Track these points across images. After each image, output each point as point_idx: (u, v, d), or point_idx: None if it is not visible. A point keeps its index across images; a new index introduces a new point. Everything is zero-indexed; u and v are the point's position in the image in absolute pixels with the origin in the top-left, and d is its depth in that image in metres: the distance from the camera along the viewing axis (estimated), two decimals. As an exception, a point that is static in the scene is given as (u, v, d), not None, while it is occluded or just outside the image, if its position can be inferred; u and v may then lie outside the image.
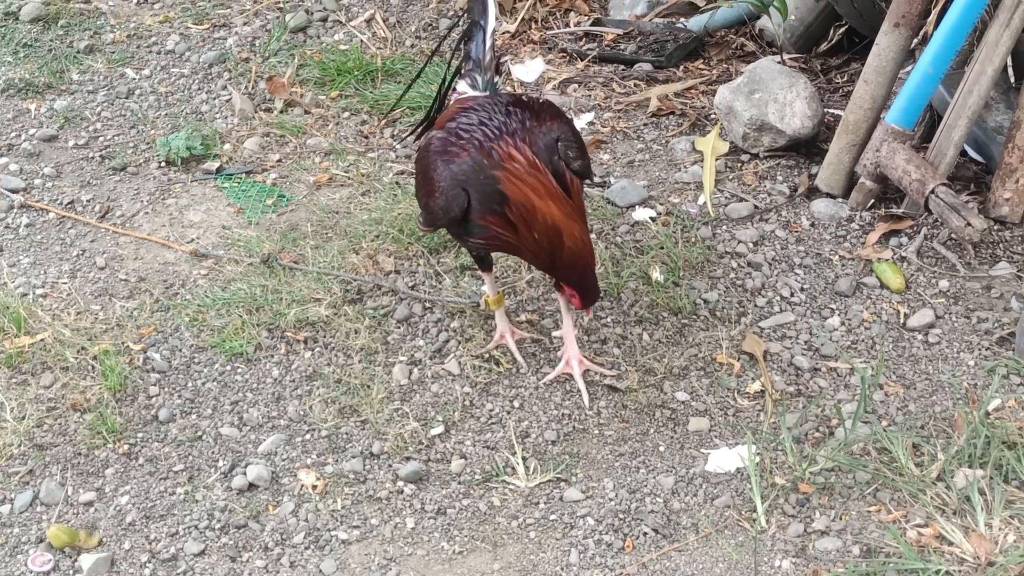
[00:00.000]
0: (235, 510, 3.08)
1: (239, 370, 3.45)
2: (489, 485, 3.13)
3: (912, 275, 3.71)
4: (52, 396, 3.38)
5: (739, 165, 4.15)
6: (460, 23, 3.62)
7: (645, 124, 4.39)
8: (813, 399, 3.31)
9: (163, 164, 4.26)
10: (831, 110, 4.32)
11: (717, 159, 4.13)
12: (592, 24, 4.93)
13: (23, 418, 3.31)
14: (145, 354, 3.49)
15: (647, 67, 4.68)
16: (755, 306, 3.60)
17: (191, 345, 3.52)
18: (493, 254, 3.43)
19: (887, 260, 3.73)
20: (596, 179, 4.05)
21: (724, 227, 3.87)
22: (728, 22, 4.86)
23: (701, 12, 4.92)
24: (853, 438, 3.12)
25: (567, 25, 4.96)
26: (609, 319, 3.55)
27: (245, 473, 3.16)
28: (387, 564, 2.96)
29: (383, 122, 4.42)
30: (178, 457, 3.23)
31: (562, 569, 2.93)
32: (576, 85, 4.60)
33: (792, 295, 3.64)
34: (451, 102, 3.44)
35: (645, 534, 2.99)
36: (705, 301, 3.60)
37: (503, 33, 4.87)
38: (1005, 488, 2.99)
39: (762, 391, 3.34)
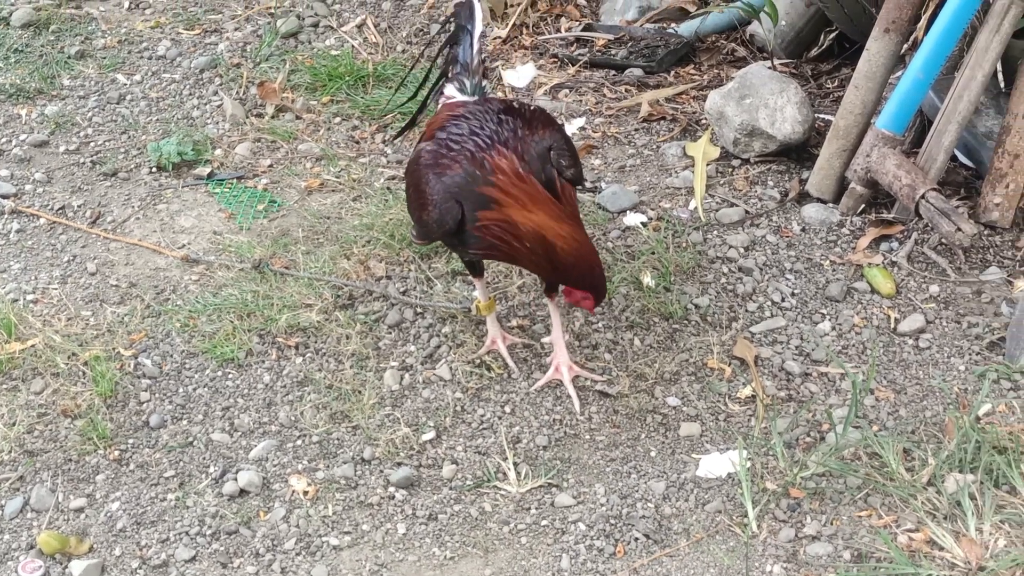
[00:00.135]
0: (226, 516, 3.08)
1: (230, 376, 3.45)
2: (480, 491, 3.13)
3: (903, 280, 3.72)
4: (43, 402, 3.37)
5: (730, 170, 4.15)
6: (447, 26, 3.62)
7: (636, 129, 4.39)
8: (804, 404, 3.32)
9: (154, 169, 4.25)
10: (822, 115, 4.33)
11: (708, 164, 4.14)
12: (583, 29, 4.94)
13: (13, 424, 3.30)
14: (136, 360, 3.48)
15: (638, 72, 4.68)
16: (746, 311, 3.61)
17: (182, 351, 3.52)
18: (484, 261, 3.44)
19: (878, 265, 3.74)
20: (587, 184, 4.05)
21: (715, 232, 3.88)
22: (719, 27, 4.87)
23: (692, 17, 4.92)
24: (844, 443, 3.13)
25: (558, 30, 4.97)
26: (600, 324, 3.55)
27: (236, 479, 3.16)
28: (378, 570, 2.96)
29: (374, 128, 4.42)
30: (169, 463, 3.23)
31: (554, 574, 2.93)
32: (567, 90, 4.60)
33: (783, 300, 3.65)
34: (439, 106, 3.44)
35: (636, 539, 2.99)
36: (696, 306, 3.60)
37: (495, 39, 4.87)
38: (995, 493, 2.99)
39: (753, 396, 3.34)
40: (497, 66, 4.70)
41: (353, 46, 4.82)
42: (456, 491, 3.13)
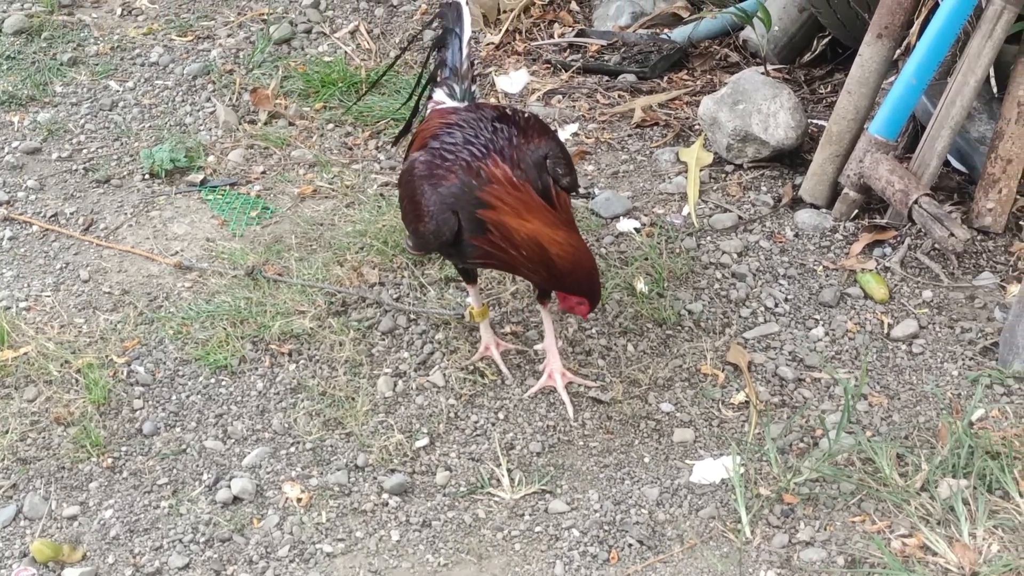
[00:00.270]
0: (220, 523, 3.07)
1: (223, 383, 3.44)
2: (474, 497, 3.13)
3: (896, 285, 3.72)
4: (36, 410, 3.36)
5: (723, 176, 4.15)
6: (434, 27, 3.61)
7: (629, 135, 4.39)
8: (797, 410, 3.32)
9: (147, 176, 4.25)
10: (815, 121, 4.34)
11: (701, 170, 4.14)
12: (576, 35, 4.94)
13: (6, 432, 3.30)
14: (129, 367, 3.48)
15: (631, 78, 4.69)
16: (739, 317, 3.61)
17: (175, 358, 3.51)
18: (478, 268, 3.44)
19: (871, 270, 3.74)
20: (581, 190, 4.05)
21: (708, 238, 3.88)
22: (712, 33, 4.87)
23: (685, 23, 4.93)
24: (837, 448, 3.13)
25: (551, 36, 4.97)
26: (593, 330, 3.55)
27: (230, 486, 3.15)
28: (372, 577, 2.96)
29: (368, 134, 4.41)
30: (162, 470, 3.22)
31: (547, 581, 2.93)
32: (560, 96, 4.60)
33: (776, 306, 3.65)
34: (428, 112, 3.43)
35: (630, 545, 2.99)
36: (689, 312, 3.60)
37: (488, 44, 4.88)
38: (989, 498, 2.99)
39: (746, 402, 3.34)
40: (490, 72, 4.70)
41: (346, 52, 4.82)
42: (450, 498, 3.13)
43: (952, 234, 3.61)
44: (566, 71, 4.74)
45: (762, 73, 4.37)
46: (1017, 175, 3.82)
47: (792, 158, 4.19)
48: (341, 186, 4.16)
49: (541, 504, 3.11)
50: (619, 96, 4.60)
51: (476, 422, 3.31)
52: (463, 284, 3.58)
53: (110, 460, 3.24)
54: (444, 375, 3.43)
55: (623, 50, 4.83)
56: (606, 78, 4.72)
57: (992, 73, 3.99)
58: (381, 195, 4.08)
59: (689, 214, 3.97)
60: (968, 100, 3.76)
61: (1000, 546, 2.90)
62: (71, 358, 3.48)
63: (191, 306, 3.66)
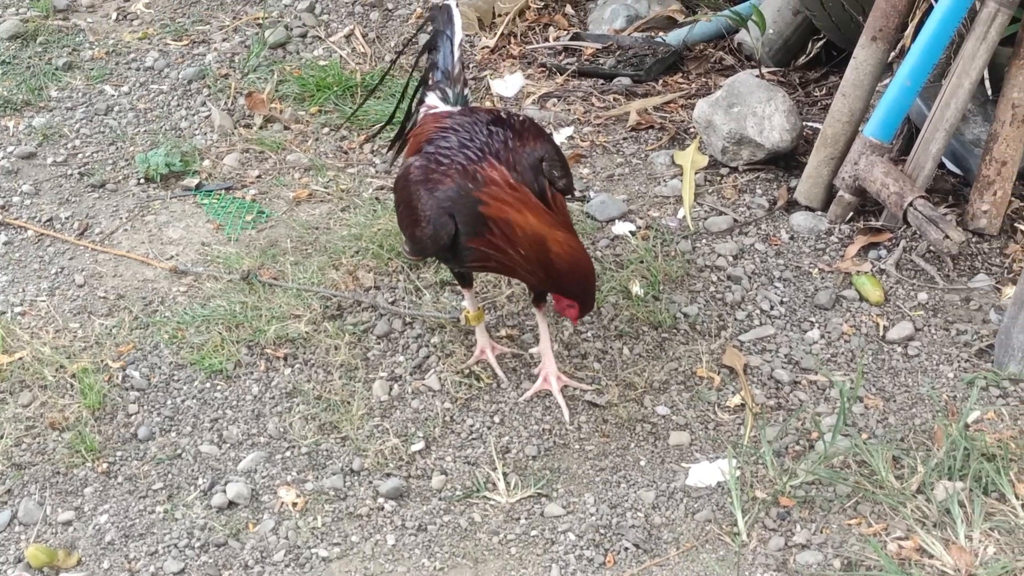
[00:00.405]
0: (215, 528, 3.07)
1: (219, 387, 3.44)
2: (470, 501, 3.12)
3: (891, 288, 3.72)
4: (30, 415, 3.36)
5: (718, 179, 4.16)
6: (425, 28, 3.61)
7: (624, 138, 4.39)
8: (793, 412, 3.32)
9: (142, 181, 4.25)
10: (810, 123, 4.34)
11: (696, 173, 4.14)
12: (571, 39, 4.94)
13: (1, 437, 3.29)
14: (124, 372, 3.48)
15: (626, 81, 4.69)
16: (735, 320, 3.61)
17: (170, 362, 3.51)
18: (474, 272, 3.43)
19: (866, 273, 3.74)
20: (576, 193, 4.05)
21: (704, 241, 3.88)
22: (707, 36, 4.88)
23: (680, 26, 4.93)
24: (833, 451, 3.13)
25: (546, 40, 4.97)
26: (589, 334, 3.55)
27: (225, 491, 3.15)
28: (368, 581, 2.96)
29: (363, 138, 4.41)
30: (157, 475, 3.22)
31: (543, 585, 2.93)
32: (555, 100, 4.60)
33: (772, 308, 3.65)
34: (421, 116, 3.42)
35: (626, 549, 2.98)
36: (685, 315, 3.60)
37: (483, 48, 4.88)
38: (985, 500, 2.99)
39: (742, 405, 3.34)
40: (485, 75, 4.71)
41: (341, 56, 4.82)
42: (445, 502, 3.12)
43: (947, 236, 3.61)
44: (561, 74, 4.74)
45: (757, 76, 4.37)
46: (1012, 177, 3.83)
47: (787, 161, 4.19)
48: (336, 190, 4.15)
49: (537, 508, 3.10)
50: (614, 99, 4.60)
51: (472, 426, 3.31)
52: (459, 288, 3.58)
53: (105, 465, 3.24)
54: (440, 379, 3.42)
55: (618, 53, 4.83)
56: (601, 81, 4.72)
57: (986, 75, 3.99)
58: (376, 199, 4.08)
59: (684, 217, 3.97)
60: (963, 102, 3.76)
61: (996, 548, 2.90)
62: (66, 363, 3.48)
63: (186, 310, 3.66)
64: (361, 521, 3.09)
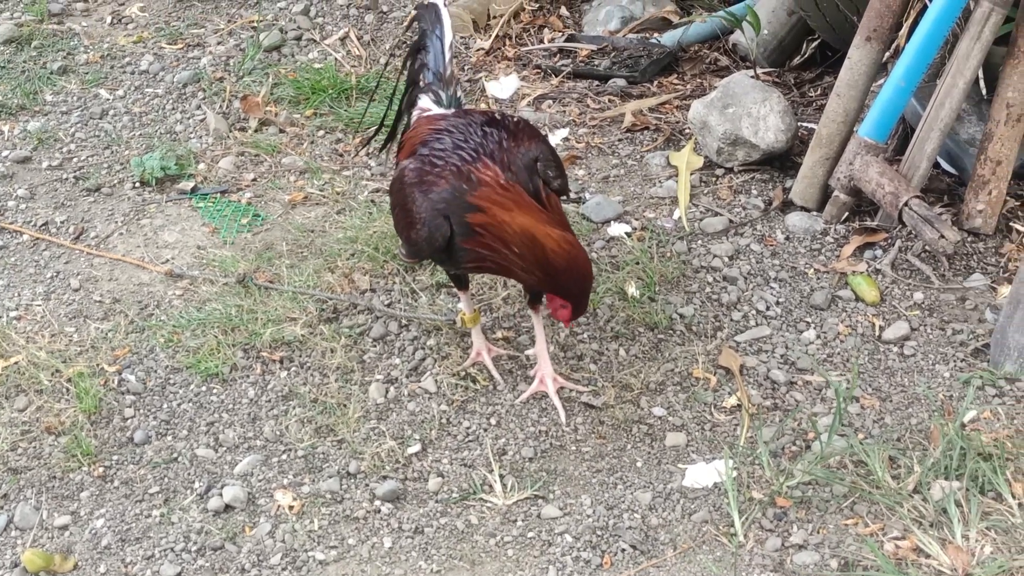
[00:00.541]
0: (211, 532, 3.07)
1: (215, 391, 3.44)
2: (467, 503, 3.12)
3: (887, 288, 3.72)
4: (26, 419, 3.36)
5: (714, 179, 4.16)
6: (412, 29, 3.60)
7: (620, 139, 4.39)
8: (789, 413, 3.32)
9: (137, 184, 4.24)
10: (805, 124, 4.34)
11: (692, 174, 4.14)
12: (566, 40, 4.94)
13: (-3, 442, 3.30)
14: (120, 376, 3.47)
15: (621, 82, 4.69)
16: (731, 320, 3.61)
17: (166, 366, 3.51)
18: (470, 273, 3.43)
19: (862, 273, 3.74)
20: (572, 195, 4.05)
21: (699, 241, 3.88)
22: (702, 37, 4.88)
23: (675, 27, 4.94)
24: (830, 451, 3.13)
25: (541, 41, 4.97)
26: (585, 335, 3.55)
27: (221, 494, 3.15)
28: (365, 584, 2.96)
29: (358, 140, 4.41)
30: (154, 479, 3.21)
31: (540, 587, 2.93)
32: (551, 101, 4.60)
33: (768, 309, 3.65)
34: (414, 119, 3.41)
35: (623, 550, 2.98)
36: (681, 316, 3.60)
37: (478, 50, 4.88)
38: (981, 500, 2.99)
39: (738, 405, 3.34)
40: (480, 78, 4.70)
41: (336, 59, 4.82)
42: (442, 504, 3.12)
43: (942, 236, 3.62)
44: (556, 76, 4.74)
45: (752, 77, 4.37)
46: (1007, 176, 3.83)
47: (782, 161, 4.19)
48: (332, 192, 4.15)
49: (534, 510, 3.10)
50: (609, 101, 4.60)
51: (468, 428, 3.31)
52: (454, 290, 3.57)
53: (101, 469, 3.23)
54: (436, 381, 3.42)
55: (613, 55, 4.83)
56: (596, 83, 4.72)
57: (981, 75, 3.99)
58: (372, 201, 4.08)
59: (680, 218, 3.97)
60: (957, 102, 3.76)
61: (993, 548, 2.90)
62: (62, 367, 3.47)
63: (182, 314, 3.65)
64: (358, 524, 3.09)
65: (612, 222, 3.96)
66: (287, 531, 3.06)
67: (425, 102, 3.42)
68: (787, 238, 3.90)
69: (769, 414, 3.33)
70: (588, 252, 3.77)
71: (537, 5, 5.13)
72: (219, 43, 4.95)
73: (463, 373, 3.44)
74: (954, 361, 3.48)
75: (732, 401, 3.35)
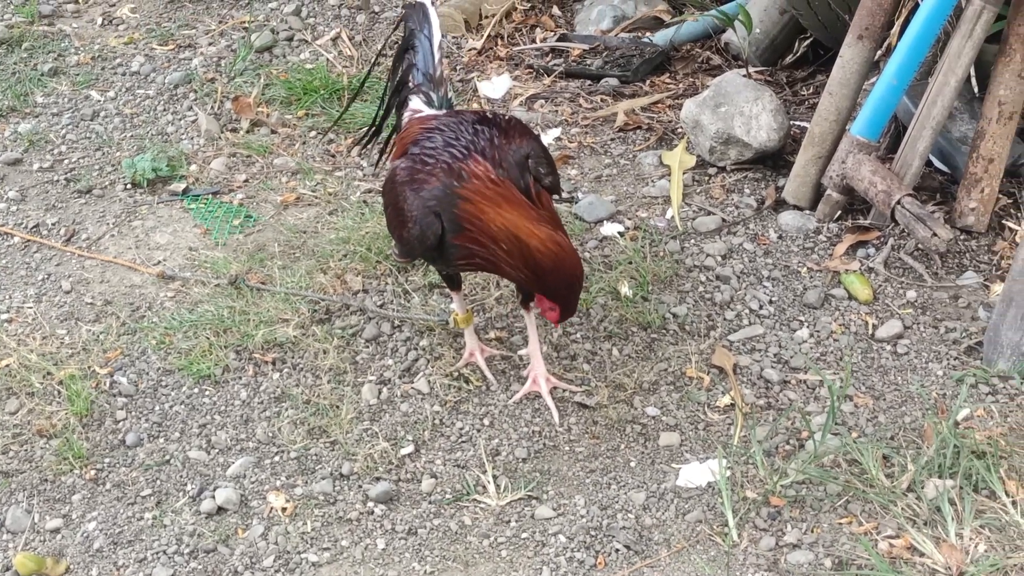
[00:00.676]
0: (204, 534, 3.06)
1: (207, 393, 3.43)
2: (460, 504, 3.12)
3: (880, 286, 3.72)
4: (18, 422, 3.35)
5: (706, 178, 4.15)
6: (399, 28, 3.59)
7: (612, 139, 4.39)
8: (783, 412, 3.32)
9: (129, 186, 4.23)
10: (797, 122, 4.34)
11: (684, 173, 4.14)
12: (558, 40, 4.93)
13: (-12, 445, 3.28)
14: (112, 378, 3.46)
15: (614, 82, 4.68)
16: (724, 319, 3.61)
17: (158, 368, 3.50)
18: (462, 272, 3.43)
19: (855, 271, 3.74)
20: (564, 194, 4.05)
21: (692, 241, 3.88)
22: (694, 36, 4.87)
23: (667, 26, 4.93)
24: (823, 450, 3.12)
25: (533, 41, 4.96)
26: (578, 335, 3.55)
27: (214, 496, 3.14)
28: (358, 586, 2.95)
29: (350, 141, 4.40)
30: (146, 482, 3.21)
31: (534, 587, 2.92)
32: (543, 101, 4.60)
33: (761, 308, 3.65)
34: (407, 121, 3.41)
35: (617, 550, 2.98)
36: (674, 315, 3.60)
37: (470, 50, 4.87)
38: (975, 498, 2.99)
39: (732, 405, 3.33)
40: (472, 77, 4.70)
41: (328, 59, 4.81)
42: (435, 505, 3.11)
43: (935, 234, 3.61)
44: (548, 76, 4.73)
45: (744, 75, 4.36)
46: (999, 174, 3.83)
47: (775, 160, 4.19)
48: (324, 193, 4.15)
49: (527, 510, 3.10)
50: (601, 100, 4.60)
51: (461, 429, 3.30)
52: (447, 290, 3.57)
53: (93, 472, 3.23)
54: (429, 382, 3.42)
55: (605, 54, 4.83)
56: (588, 82, 4.72)
57: (973, 73, 3.99)
58: (364, 202, 4.07)
59: (673, 217, 3.97)
60: (949, 100, 3.76)
61: (987, 546, 2.90)
62: (53, 369, 3.46)
63: (174, 316, 3.65)
64: (351, 525, 3.08)
65: (605, 222, 3.96)
66: (280, 533, 3.05)
67: (416, 103, 3.41)
68: (780, 237, 3.90)
69: (763, 413, 3.33)
70: (580, 252, 3.78)
71: (529, 5, 5.12)
72: (210, 44, 4.94)
73: (456, 374, 3.44)
74: (947, 359, 3.48)
75: (726, 400, 3.35)
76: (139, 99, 4.67)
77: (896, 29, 3.94)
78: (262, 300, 3.67)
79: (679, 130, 4.37)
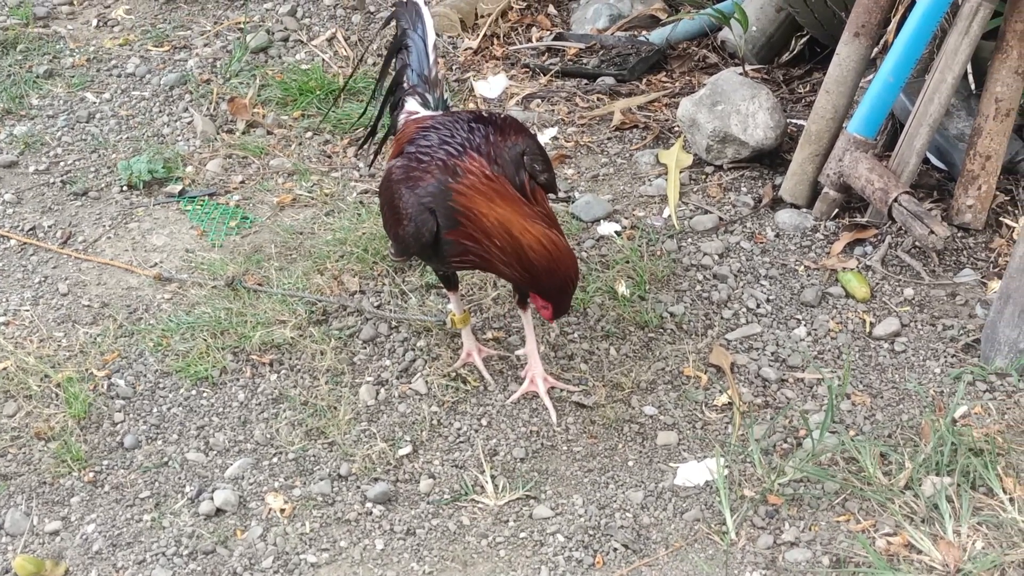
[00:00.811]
0: (203, 536, 3.06)
1: (204, 394, 3.43)
2: (458, 504, 3.12)
3: (877, 284, 3.72)
4: (16, 425, 3.34)
5: (703, 177, 4.15)
6: (391, 25, 3.58)
7: (609, 138, 4.39)
8: (780, 410, 3.32)
9: (125, 188, 4.23)
10: (794, 120, 4.34)
11: (681, 172, 4.14)
12: (554, 39, 4.93)
13: (-14, 448, 3.28)
14: (109, 380, 3.46)
15: (610, 81, 4.68)
16: (721, 318, 3.61)
17: (156, 370, 3.49)
18: (459, 273, 3.42)
19: (852, 269, 3.74)
20: (561, 194, 4.05)
21: (689, 240, 3.88)
22: (690, 34, 4.87)
23: (663, 25, 4.93)
24: (821, 448, 3.12)
25: (529, 40, 4.96)
26: (576, 334, 3.55)
27: (212, 498, 3.14)
28: (357, 587, 2.95)
29: (346, 141, 4.40)
30: (144, 484, 3.20)
31: (533, 587, 2.92)
32: (539, 100, 4.60)
33: (758, 306, 3.65)
34: (403, 123, 3.40)
35: (615, 550, 2.98)
36: (671, 314, 3.60)
37: (466, 49, 4.87)
38: (973, 495, 2.99)
39: (730, 403, 3.33)
40: (468, 77, 4.70)
41: (323, 60, 4.81)
42: (434, 505, 3.11)
43: (932, 231, 3.61)
44: (545, 75, 4.73)
45: (740, 74, 4.37)
46: (996, 171, 3.83)
47: (772, 158, 4.19)
48: (320, 194, 4.14)
49: (525, 510, 3.10)
50: (598, 99, 4.60)
51: (459, 429, 3.30)
52: (444, 291, 3.57)
53: (92, 474, 3.22)
54: (426, 382, 3.42)
55: (601, 53, 4.83)
56: (585, 81, 4.72)
57: (970, 70, 4.00)
58: (361, 203, 4.07)
59: (670, 216, 3.97)
60: (946, 97, 3.76)
61: (985, 543, 2.90)
62: (51, 372, 3.46)
63: (171, 318, 3.64)
64: (349, 526, 3.08)
65: (602, 221, 3.96)
66: (279, 534, 3.05)
67: (412, 105, 3.41)
68: (777, 235, 3.90)
69: (760, 412, 3.33)
70: (577, 252, 3.78)
71: (525, 4, 5.13)
72: (206, 45, 4.94)
73: (453, 374, 3.43)
74: (945, 357, 3.48)
75: (723, 399, 3.35)
76: (135, 101, 4.67)
77: (892, 26, 3.94)
78: (259, 301, 3.67)
79: (676, 129, 4.36)
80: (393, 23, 3.61)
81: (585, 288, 3.64)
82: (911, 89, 3.90)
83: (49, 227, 4.08)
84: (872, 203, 3.81)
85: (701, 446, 3.24)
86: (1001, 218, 3.90)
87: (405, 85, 3.44)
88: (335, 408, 3.35)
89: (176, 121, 4.54)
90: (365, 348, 3.54)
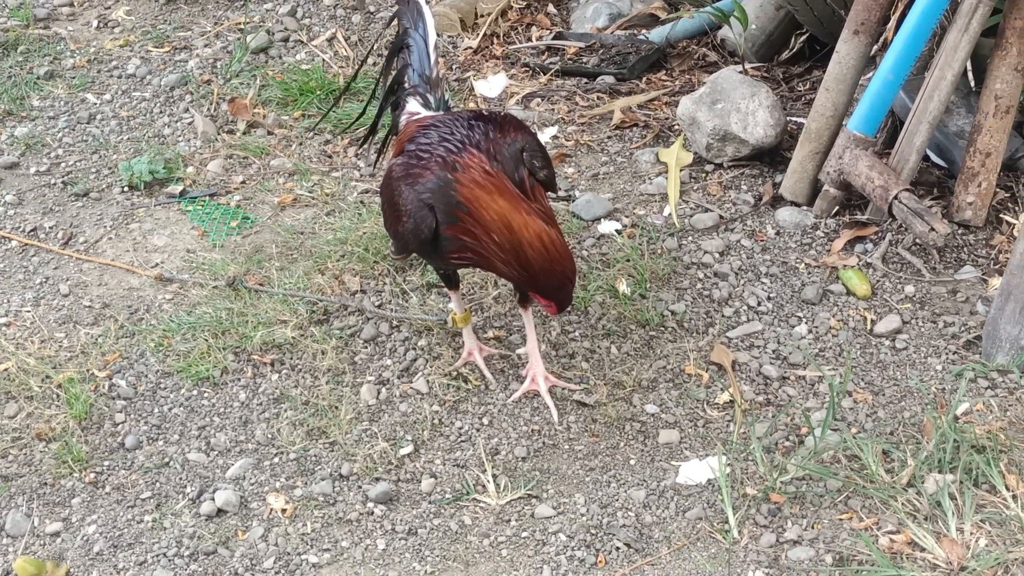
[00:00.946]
0: (204, 536, 3.06)
1: (206, 395, 3.42)
2: (460, 504, 3.12)
3: (878, 281, 3.72)
4: (17, 426, 3.34)
5: (703, 175, 4.15)
6: (392, 25, 3.58)
7: (609, 137, 4.39)
8: (782, 408, 3.31)
9: (126, 189, 4.23)
10: (794, 118, 4.34)
11: (681, 170, 4.14)
12: (554, 38, 4.93)
13: (-12, 449, 3.28)
14: (110, 381, 3.46)
15: (610, 80, 4.68)
16: (722, 316, 3.60)
17: (157, 371, 3.49)
18: (460, 271, 3.42)
19: (853, 267, 3.74)
20: (561, 193, 4.04)
21: (690, 238, 3.87)
22: (689, 33, 4.87)
23: (662, 23, 4.93)
24: (823, 446, 3.12)
25: (529, 40, 4.96)
26: (577, 333, 3.54)
27: (213, 499, 3.13)
28: (359, 586, 2.95)
29: (347, 141, 4.40)
30: (145, 484, 3.20)
31: (535, 586, 2.92)
32: (539, 99, 4.59)
33: (759, 304, 3.64)
34: (404, 124, 3.40)
35: (617, 549, 2.97)
36: (672, 312, 3.60)
37: (466, 49, 4.86)
38: (975, 492, 2.99)
39: (731, 401, 3.33)
40: (468, 76, 4.69)
41: (324, 60, 4.81)
42: (435, 505, 3.11)
43: (932, 229, 3.61)
44: (545, 74, 4.73)
45: (740, 72, 4.36)
46: (996, 168, 3.83)
47: (772, 156, 4.18)
48: (321, 194, 4.14)
49: (527, 509, 3.10)
50: (598, 98, 4.60)
51: (460, 428, 3.30)
52: (445, 290, 3.57)
53: (93, 475, 3.22)
54: (427, 381, 3.41)
55: (601, 52, 4.82)
56: (585, 80, 4.72)
57: (969, 67, 3.99)
58: (361, 202, 4.07)
59: (670, 214, 3.97)
60: (946, 94, 3.76)
61: (988, 540, 2.90)
62: (52, 373, 3.46)
63: (172, 318, 3.64)
64: (351, 526, 3.08)
65: (602, 219, 3.96)
66: (280, 534, 3.05)
67: (413, 106, 3.41)
68: (777, 233, 3.90)
69: (762, 409, 3.32)
70: (578, 250, 3.78)
71: (525, 3, 5.12)
72: (206, 46, 4.94)
73: (455, 373, 3.43)
74: (946, 354, 3.48)
75: (725, 397, 3.35)
76: (135, 101, 4.67)
77: (892, 24, 3.93)
78: (260, 301, 3.67)
79: (676, 127, 4.36)
80: (394, 22, 3.61)
81: (586, 287, 3.64)
82: (911, 86, 3.90)
83: (50, 228, 4.08)
84: (872, 200, 3.81)
85: (703, 444, 3.24)
86: (1001, 215, 3.90)
87: (406, 85, 3.44)
88: (336, 408, 3.35)
89: (177, 122, 4.54)
90: (366, 348, 3.53)
